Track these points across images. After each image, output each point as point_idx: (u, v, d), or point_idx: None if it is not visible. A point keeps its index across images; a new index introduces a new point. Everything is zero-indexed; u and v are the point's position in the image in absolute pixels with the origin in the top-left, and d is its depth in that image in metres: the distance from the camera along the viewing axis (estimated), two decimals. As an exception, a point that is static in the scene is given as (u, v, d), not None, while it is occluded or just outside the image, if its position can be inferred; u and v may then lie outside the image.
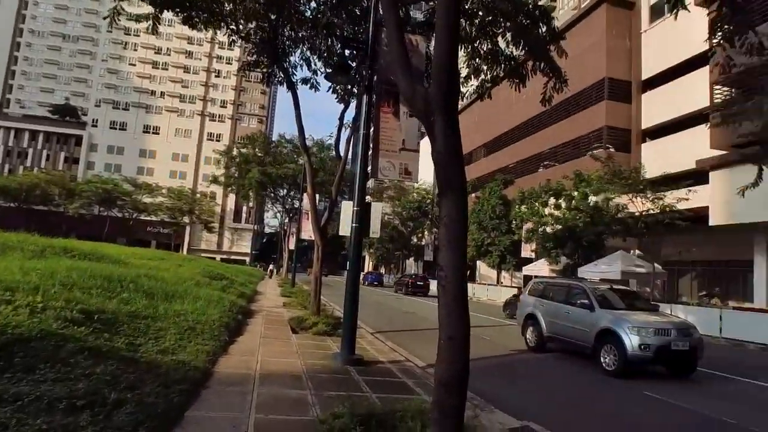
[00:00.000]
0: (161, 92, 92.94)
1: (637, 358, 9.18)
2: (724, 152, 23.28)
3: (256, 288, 25.46)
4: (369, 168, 8.63)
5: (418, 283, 36.91)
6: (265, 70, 13.64)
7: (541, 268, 32.09)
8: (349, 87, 14.17)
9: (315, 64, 13.73)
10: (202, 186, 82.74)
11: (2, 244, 12.95)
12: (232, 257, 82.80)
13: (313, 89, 14.00)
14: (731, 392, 9.22)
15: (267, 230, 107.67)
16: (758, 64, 17.20)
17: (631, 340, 9.17)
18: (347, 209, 8.43)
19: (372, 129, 8.70)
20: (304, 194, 28.37)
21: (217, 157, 51.62)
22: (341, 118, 13.77)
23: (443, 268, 3.63)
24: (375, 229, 8.20)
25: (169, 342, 7.42)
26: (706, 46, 26.07)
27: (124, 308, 8.67)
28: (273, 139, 50.20)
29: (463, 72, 12.07)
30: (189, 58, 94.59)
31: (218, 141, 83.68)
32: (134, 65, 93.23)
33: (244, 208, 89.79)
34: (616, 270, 23.99)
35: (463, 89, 13.13)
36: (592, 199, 27.30)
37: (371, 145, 8.69)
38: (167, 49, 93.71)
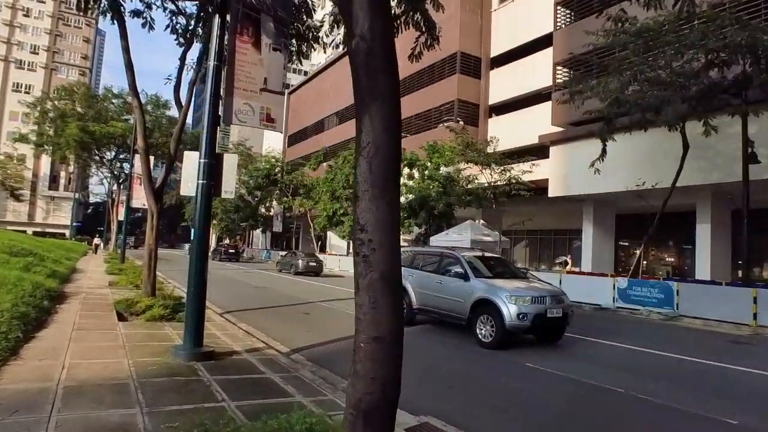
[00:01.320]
0: (-54, 28, 75.90)
1: (515, 327, 8.76)
2: (562, 129, 24.94)
3: (75, 265, 21.54)
4: (221, 111, 6.80)
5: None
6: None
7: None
8: (192, 25, 11.84)
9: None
10: (7, 146, 69.84)
11: None
12: (48, 230, 71.86)
13: (147, 28, 11.32)
14: (600, 356, 9.27)
15: (92, 200, 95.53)
16: (598, 47, 18.34)
17: (510, 310, 8.70)
18: (191, 162, 6.56)
19: (225, 61, 6.86)
20: (136, 155, 24.67)
21: (25, 111, 43.37)
22: (183, 59, 11.43)
23: (364, 228, 2.25)
24: (229, 188, 6.49)
25: None
26: (550, 29, 27.58)
27: None
28: (98, 93, 43.34)
29: (328, 22, 10.58)
30: (-14, -9, 78.35)
31: (28, 93, 70.68)
32: None
33: (63, 174, 78.06)
34: (467, 239, 24.63)
35: (327, 40, 11.66)
36: (444, 169, 27.74)
37: (224, 83, 6.86)
38: (-47, -26, 76.52)
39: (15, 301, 8.33)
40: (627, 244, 28.39)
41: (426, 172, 27.71)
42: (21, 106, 56.20)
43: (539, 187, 24.82)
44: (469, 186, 26.65)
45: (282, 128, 7.42)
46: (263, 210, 52.12)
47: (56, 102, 39.29)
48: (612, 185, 20.92)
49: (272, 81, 7.27)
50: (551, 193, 24.77)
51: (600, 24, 15.22)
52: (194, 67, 11.28)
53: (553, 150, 25.04)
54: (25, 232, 55.68)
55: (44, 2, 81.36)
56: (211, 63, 6.62)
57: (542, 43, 28.25)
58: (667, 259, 27.82)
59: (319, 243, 43.80)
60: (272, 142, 58.02)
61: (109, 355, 6.38)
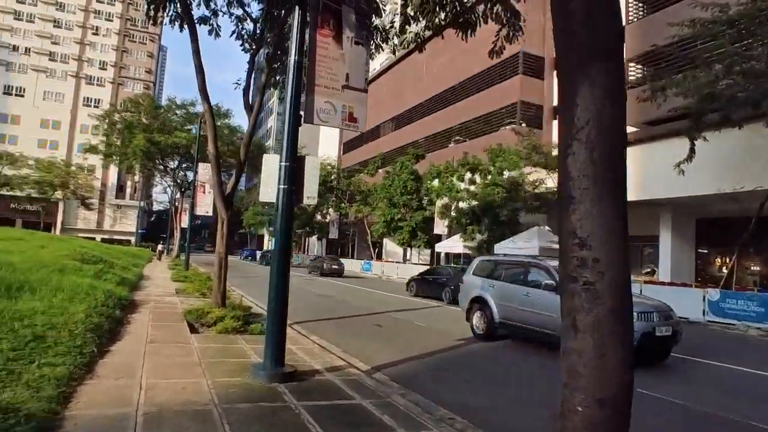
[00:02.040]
0: (26, 48, 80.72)
1: (620, 349, 7.79)
2: (636, 129, 23.43)
3: (142, 272, 21.87)
4: (302, 111, 6.28)
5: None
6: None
7: (454, 245, 31.29)
8: (260, 28, 11.54)
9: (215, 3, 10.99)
10: (78, 157, 73.58)
11: None
12: (116, 237, 74.96)
13: (213, 35, 11.11)
14: (706, 378, 8.17)
15: (156, 207, 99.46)
16: (682, 38, 16.94)
17: (613, 329, 7.74)
18: (271, 166, 6.06)
19: (306, 57, 6.36)
20: (199, 164, 24.96)
21: (95, 123, 45.36)
22: (251, 62, 11.11)
23: (585, 243, 1.60)
24: (311, 193, 5.95)
25: (-8, 368, 4.69)
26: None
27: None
28: (162, 104, 44.73)
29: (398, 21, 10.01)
30: (60, 11, 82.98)
31: (97, 107, 74.19)
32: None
33: (129, 183, 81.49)
34: (535, 246, 23.46)
35: (396, 41, 11.12)
36: (508, 173, 26.65)
37: (305, 81, 6.36)
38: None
39: (88, 311, 8.12)
40: (707, 251, 26.35)
41: (489, 177, 26.69)
42: (91, 119, 59.06)
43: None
44: (536, 191, 25.45)
45: (363, 127, 6.84)
46: (319, 217, 52.29)
47: (123, 114, 40.77)
48: (697, 188, 19.29)
49: (354, 77, 6.72)
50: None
51: (674, 15, 13.98)
52: (264, 68, 10.93)
53: (627, 151, 23.52)
54: (94, 239, 58.25)
55: (111, 20, 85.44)
56: (292, 59, 6.11)
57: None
58: (753, 268, 25.61)
59: (377, 250, 43.33)
60: (327, 149, 58.34)
61: (186, 373, 5.93)
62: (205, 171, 24.45)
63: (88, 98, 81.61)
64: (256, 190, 69.88)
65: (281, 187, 5.90)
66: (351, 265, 46.08)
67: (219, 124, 39.89)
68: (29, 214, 70.84)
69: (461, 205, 28.74)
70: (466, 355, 9.42)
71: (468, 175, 28.27)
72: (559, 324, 7.00)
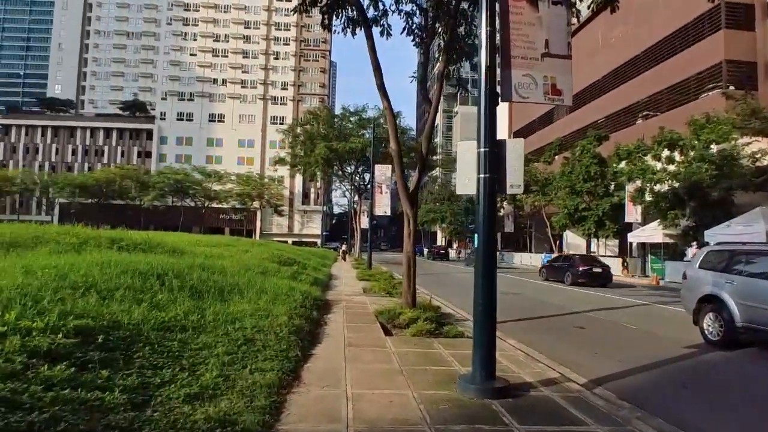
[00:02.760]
0: (223, 80, 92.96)
1: None
2: None
3: (330, 272, 23.09)
4: (498, 87, 5.51)
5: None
6: (325, 7, 10.70)
7: (650, 234, 27.76)
8: (432, 17, 11.06)
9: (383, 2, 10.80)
10: (269, 170, 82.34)
11: (36, 238, 10.97)
12: (304, 239, 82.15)
13: (385, 35, 10.92)
14: None
15: (336, 210, 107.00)
16: None
17: None
18: (467, 154, 5.36)
19: (496, 26, 5.57)
20: (376, 166, 25.56)
21: (281, 138, 50.02)
22: (426, 53, 10.66)
23: None
24: (516, 181, 5.12)
25: (211, 374, 4.75)
26: None
27: (154, 316, 6.15)
28: (336, 113, 47.54)
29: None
30: (247, 43, 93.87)
31: (281, 124, 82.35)
32: (195, 55, 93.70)
33: (312, 190, 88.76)
34: (760, 231, 19.56)
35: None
36: (717, 147, 22.65)
37: (498, 54, 5.58)
38: (225, 35, 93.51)
39: (290, 312, 8.33)
40: None
41: (693, 153, 23.00)
42: (278, 134, 65.53)
43: None
44: (757, 164, 21.25)
45: (570, 100, 5.81)
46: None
47: (305, 127, 44.16)
48: None
49: (555, 42, 5.75)
50: None
51: None
52: (441, 57, 10.40)
53: None
54: (286, 242, 64.32)
55: (288, 44, 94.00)
56: (483, 31, 5.35)
57: None
58: None
59: (557, 242, 40.59)
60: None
61: (389, 383, 5.55)
62: (381, 172, 25.01)
63: (274, 117, 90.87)
64: (427, 189, 71.18)
65: (481, 176, 5.19)
66: (529, 259, 43.96)
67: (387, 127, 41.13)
68: (234, 223, 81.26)
69: (657, 187, 25.28)
70: (703, 368, 7.75)
71: (665, 152, 24.73)
72: None
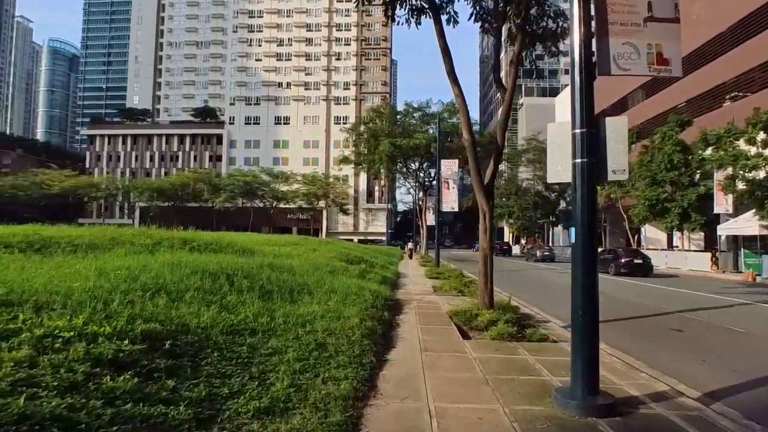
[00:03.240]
0: (287, 83, 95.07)
1: None
2: None
3: (398, 270, 22.68)
4: (594, 58, 4.81)
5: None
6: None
7: (744, 225, 25.39)
8: (501, 3, 10.32)
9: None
10: (334, 170, 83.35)
11: (113, 240, 11.21)
12: (369, 237, 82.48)
13: (452, 23, 10.28)
14: None
15: (400, 208, 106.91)
16: None
17: None
18: (559, 136, 4.72)
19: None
20: (442, 161, 24.92)
21: (345, 137, 50.33)
22: (498, 35, 9.95)
23: None
24: (619, 165, 4.42)
25: (282, 383, 4.39)
26: None
27: (223, 319, 5.90)
28: (399, 110, 47.08)
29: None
30: (309, 45, 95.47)
31: (345, 124, 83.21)
32: (260, 60, 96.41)
33: (376, 188, 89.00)
34: None
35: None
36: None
37: (594, 22, 4.87)
38: (288, 39, 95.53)
39: (360, 314, 7.94)
40: None
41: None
42: (342, 134, 66.04)
43: None
44: None
45: (679, 71, 5.00)
46: (563, 204, 48.85)
47: (368, 125, 44.08)
48: None
49: (659, 4, 4.96)
50: None
51: None
52: (512, 41, 9.67)
53: None
54: (352, 240, 64.71)
55: (349, 44, 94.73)
56: (574, -9, 4.68)
57: None
58: None
59: (635, 236, 38.21)
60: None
61: (475, 395, 4.98)
62: (447, 167, 24.34)
63: (337, 117, 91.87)
64: (499, 181, 69.33)
65: (577, 161, 4.52)
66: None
67: (454, 120, 40.20)
68: (302, 222, 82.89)
69: (752, 174, 23.02)
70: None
71: (761, 135, 22.47)
72: None
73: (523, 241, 64.36)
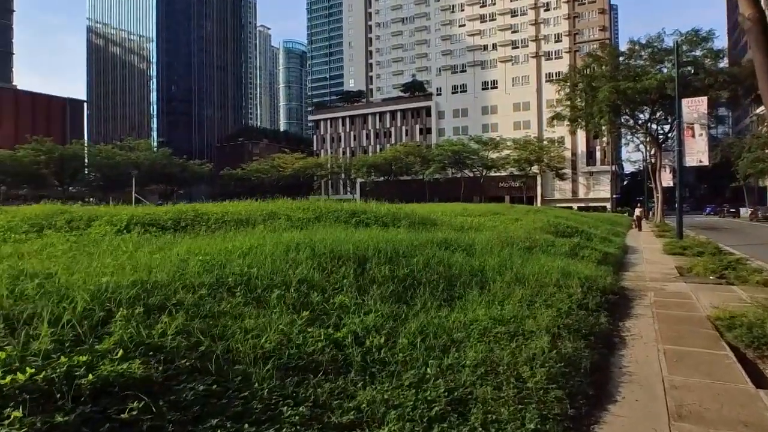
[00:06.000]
0: (493, 44, 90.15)
1: None
2: None
3: (624, 243, 17.94)
4: None
5: None
6: None
7: None
8: None
9: None
10: (547, 132, 76.60)
11: (270, 214, 9.91)
12: (591, 204, 74.13)
13: None
14: None
15: (627, 169, 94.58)
16: None
17: None
18: None
19: None
20: (684, 101, 19.20)
21: (558, 88, 44.56)
22: None
23: None
24: None
25: None
26: None
27: (298, 340, 3.53)
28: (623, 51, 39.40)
29: None
30: (514, 1, 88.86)
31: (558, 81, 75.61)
32: (464, 26, 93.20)
33: (598, 148, 79.24)
34: None
35: None
36: None
37: None
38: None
39: (556, 324, 4.89)
40: None
41: None
42: (554, 94, 59.52)
43: None
44: None
45: None
46: None
47: (584, 71, 37.99)
48: None
49: None
50: None
51: None
52: None
53: None
54: (570, 207, 58.41)
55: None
56: None
57: None
58: None
59: None
60: None
61: None
62: (692, 108, 18.56)
63: (549, 74, 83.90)
64: (750, 131, 55.36)
65: None
66: None
67: (698, 53, 32.08)
68: (514, 190, 78.48)
69: None
70: None
71: None
72: None
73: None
